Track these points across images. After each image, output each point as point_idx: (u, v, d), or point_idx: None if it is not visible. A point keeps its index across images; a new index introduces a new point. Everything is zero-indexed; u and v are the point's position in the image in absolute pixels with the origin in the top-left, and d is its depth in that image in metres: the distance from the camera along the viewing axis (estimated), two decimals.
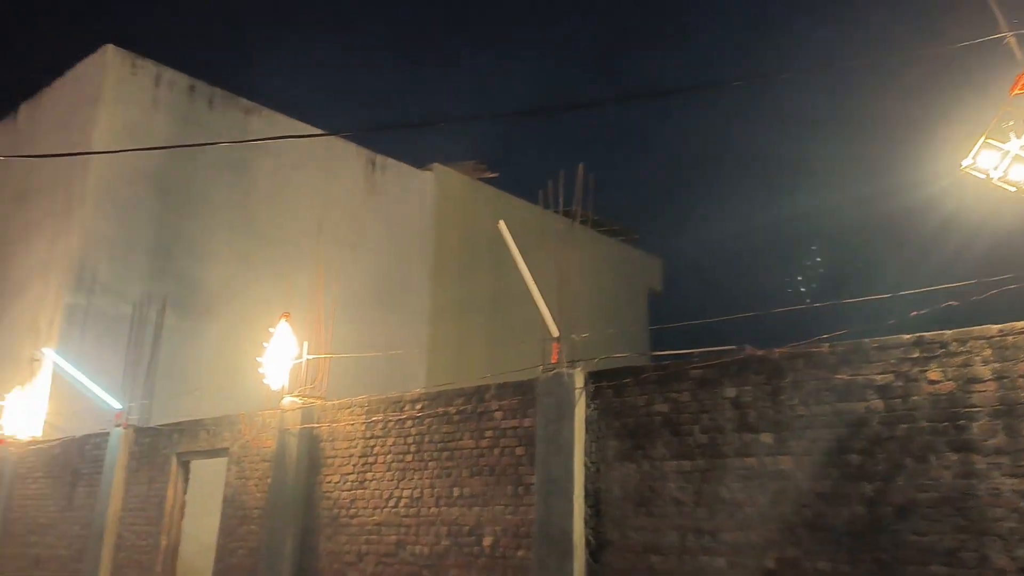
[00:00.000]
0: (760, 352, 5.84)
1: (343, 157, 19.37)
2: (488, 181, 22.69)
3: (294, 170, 18.06)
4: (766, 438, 5.68)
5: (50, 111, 17.77)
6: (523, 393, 7.13)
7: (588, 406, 6.63)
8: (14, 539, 12.25)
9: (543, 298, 7.09)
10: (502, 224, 7.02)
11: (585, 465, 6.51)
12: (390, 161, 20.52)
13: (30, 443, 12.83)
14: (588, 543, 6.33)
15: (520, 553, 6.75)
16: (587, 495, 6.44)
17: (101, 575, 10.32)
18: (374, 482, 8.11)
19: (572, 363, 6.82)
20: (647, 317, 25.95)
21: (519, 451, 7.03)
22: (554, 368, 6.88)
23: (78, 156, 15.06)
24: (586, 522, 6.37)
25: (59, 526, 11.52)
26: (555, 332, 6.98)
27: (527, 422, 7.03)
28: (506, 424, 7.21)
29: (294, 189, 18.23)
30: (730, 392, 5.91)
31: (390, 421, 8.18)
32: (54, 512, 11.72)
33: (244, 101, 17.63)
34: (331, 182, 19.01)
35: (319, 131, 16.97)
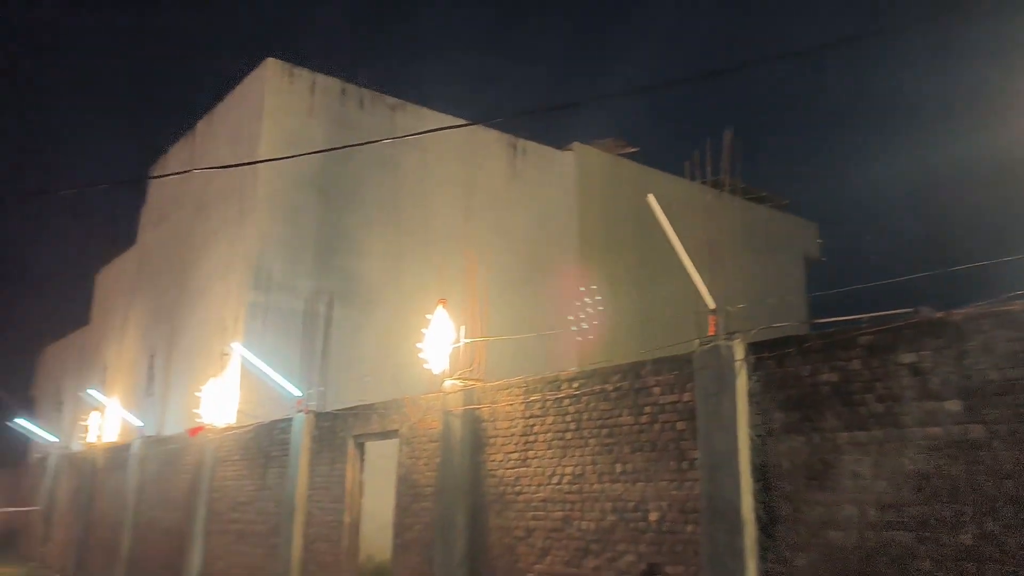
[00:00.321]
0: (939, 314, 5.44)
1: (484, 145, 19.81)
2: (629, 156, 22.42)
3: (439, 162, 18.71)
4: (952, 406, 5.30)
5: (222, 126, 19.40)
6: (680, 367, 7.06)
7: (750, 378, 6.46)
8: (218, 516, 13.61)
9: (695, 270, 6.96)
10: (651, 198, 6.94)
11: (750, 438, 6.36)
12: (531, 145, 20.74)
13: (226, 430, 14.15)
14: (759, 518, 6.19)
15: (688, 528, 6.71)
16: (754, 469, 6.30)
17: (294, 548, 11.27)
18: (536, 460, 8.31)
19: (730, 335, 6.66)
20: (804, 284, 24.75)
21: (680, 426, 6.98)
22: (711, 341, 6.75)
23: (249, 166, 16.34)
24: (755, 496, 6.24)
25: (255, 504, 12.66)
26: (711, 304, 6.84)
27: (686, 396, 6.95)
28: (664, 399, 7.17)
29: (440, 180, 18.87)
30: (907, 358, 5.56)
31: (548, 400, 8.34)
32: (251, 491, 12.90)
33: (390, 99, 18.43)
34: (474, 170, 19.51)
35: (462, 121, 17.43)
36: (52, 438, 24.53)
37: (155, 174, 22.99)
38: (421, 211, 18.40)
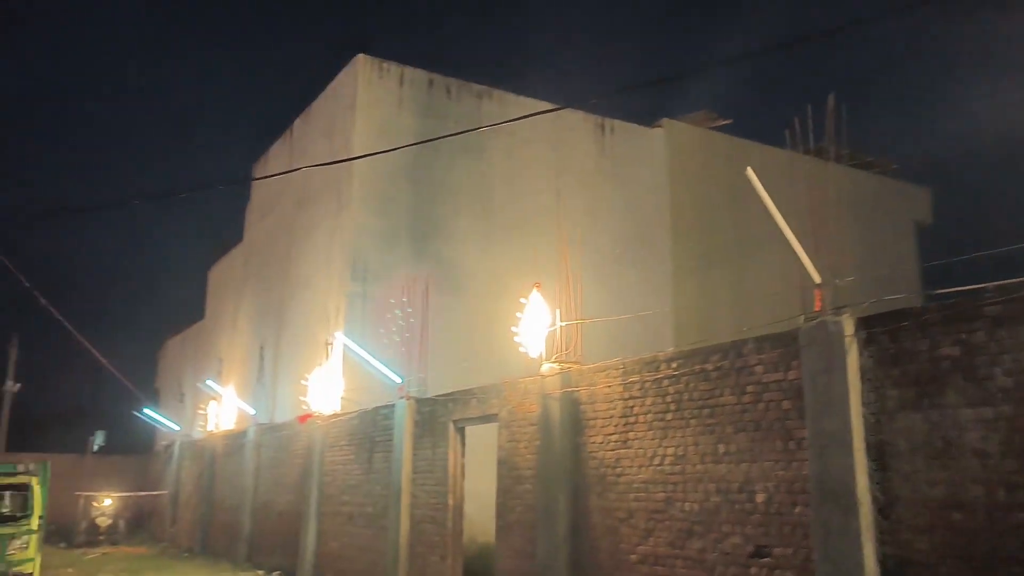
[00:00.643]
0: None
1: (572, 126, 19.63)
2: (722, 129, 21.75)
3: (526, 146, 18.68)
4: None
5: (317, 122, 20.01)
6: (784, 345, 6.81)
7: (861, 354, 6.17)
8: (330, 499, 14.16)
9: (798, 244, 6.68)
10: (749, 170, 6.70)
11: (864, 417, 6.08)
12: (619, 124, 20.43)
13: (332, 416, 14.68)
14: (875, 499, 5.92)
15: (797, 510, 6.50)
16: (868, 448, 6.02)
17: (402, 529, 11.60)
18: (637, 441, 8.23)
19: (837, 309, 6.37)
20: (916, 253, 23.44)
21: (785, 405, 6.74)
22: (818, 316, 6.48)
23: (344, 161, 16.79)
24: (870, 477, 5.96)
25: (363, 487, 13.10)
26: (816, 278, 6.55)
27: (791, 375, 6.70)
28: (768, 378, 6.94)
29: (528, 164, 18.86)
30: None
31: (647, 381, 8.23)
32: (358, 475, 13.35)
33: (476, 86, 18.53)
34: (562, 152, 19.39)
35: (550, 105, 17.27)
36: (175, 427, 26.11)
37: (258, 173, 23.97)
38: (511, 195, 18.46)
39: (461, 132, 11.89)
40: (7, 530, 12.38)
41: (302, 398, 15.66)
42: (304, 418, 15.21)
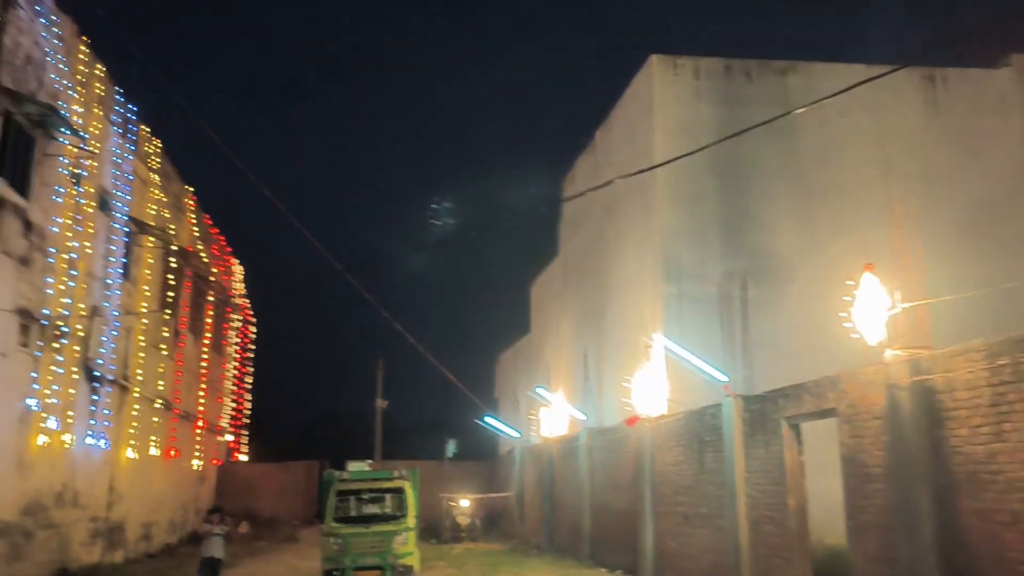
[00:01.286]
0: None
1: (893, 85, 17.57)
2: None
3: (840, 116, 17.15)
4: None
5: (617, 130, 20.50)
6: None
7: None
8: (663, 499, 14.24)
9: None
10: None
11: None
12: (952, 72, 17.88)
13: (659, 418, 14.77)
14: None
15: None
16: None
17: (740, 531, 11.24)
18: (1015, 433, 7.06)
19: None
20: None
21: None
22: None
23: (647, 163, 16.96)
24: None
25: (696, 487, 12.96)
26: None
27: None
28: None
29: (843, 136, 17.33)
30: None
31: (1021, 364, 7.03)
32: (690, 475, 13.25)
33: (778, 63, 17.54)
34: (884, 115, 17.49)
35: (865, 68, 15.57)
36: (515, 433, 28.30)
37: (566, 188, 25.20)
38: (828, 173, 17.09)
39: (773, 119, 11.10)
40: (390, 527, 14.31)
41: (626, 400, 16.01)
42: (631, 421, 15.52)
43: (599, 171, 21.60)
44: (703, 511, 12.63)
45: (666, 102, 17.34)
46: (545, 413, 24.09)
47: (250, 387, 32.75)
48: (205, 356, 25.63)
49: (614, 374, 19.40)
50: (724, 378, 12.49)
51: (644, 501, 14.73)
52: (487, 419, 29.50)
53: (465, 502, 26.00)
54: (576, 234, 24.60)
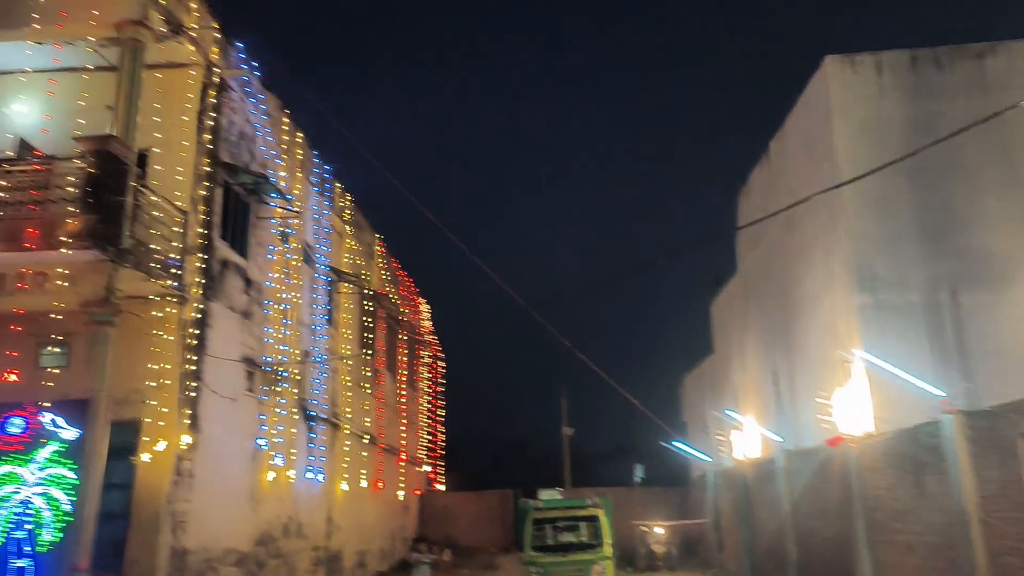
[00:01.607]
0: None
1: None
2: None
3: None
4: None
5: (793, 139, 19.62)
6: None
7: None
8: (878, 526, 13.22)
9: None
10: None
11: None
12: None
13: (865, 438, 13.81)
14: None
15: None
16: None
17: (977, 563, 10.20)
18: None
19: None
20: None
21: None
22: None
23: (828, 169, 16.11)
24: None
25: (916, 513, 11.93)
26: None
27: None
28: None
29: None
30: None
31: None
32: (906, 500, 12.22)
33: (973, 46, 16.09)
34: None
35: None
36: (705, 457, 27.47)
37: (741, 203, 24.39)
38: None
39: (1002, 111, 10.08)
40: (588, 556, 14.43)
41: (824, 418, 15.10)
42: (834, 441, 14.63)
43: (775, 182, 20.75)
44: (928, 540, 11.59)
45: (845, 103, 16.38)
46: (736, 435, 23.22)
47: (443, 419, 34.28)
48: (402, 392, 27.19)
49: (807, 392, 18.39)
50: (940, 393, 11.49)
51: (856, 528, 13.76)
52: (675, 443, 28.89)
53: (660, 529, 25.54)
54: (755, 251, 23.70)
